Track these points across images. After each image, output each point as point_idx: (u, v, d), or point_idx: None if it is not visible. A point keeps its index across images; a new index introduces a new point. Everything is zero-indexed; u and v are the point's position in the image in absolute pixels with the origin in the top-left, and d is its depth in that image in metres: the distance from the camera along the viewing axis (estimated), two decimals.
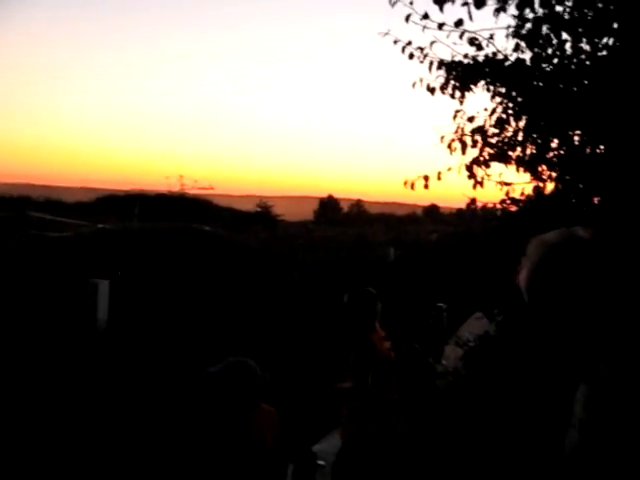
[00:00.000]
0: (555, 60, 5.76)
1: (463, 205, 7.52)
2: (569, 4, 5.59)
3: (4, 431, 9.51)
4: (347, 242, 37.27)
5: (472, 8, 5.44)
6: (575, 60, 5.72)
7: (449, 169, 6.00)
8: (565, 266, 1.93)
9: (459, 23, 5.67)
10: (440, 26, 5.74)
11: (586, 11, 5.48)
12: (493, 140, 6.07)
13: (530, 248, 2.05)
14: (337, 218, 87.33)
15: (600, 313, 1.89)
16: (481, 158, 6.06)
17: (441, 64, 6.03)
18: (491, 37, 5.85)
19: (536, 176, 6.08)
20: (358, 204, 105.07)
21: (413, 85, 6.11)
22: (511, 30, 5.73)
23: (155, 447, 9.09)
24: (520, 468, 6.16)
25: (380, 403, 6.18)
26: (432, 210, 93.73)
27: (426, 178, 5.90)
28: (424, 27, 5.76)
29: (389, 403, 6.31)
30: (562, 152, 5.95)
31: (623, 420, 1.83)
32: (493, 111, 6.10)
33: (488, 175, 6.09)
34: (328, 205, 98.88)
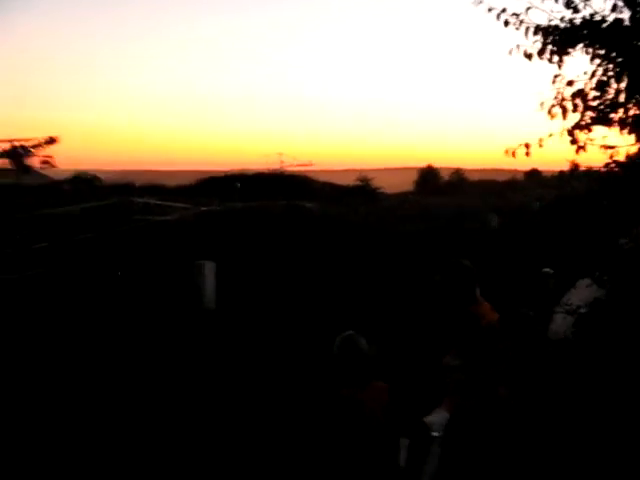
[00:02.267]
0: None
1: (565, 168, 7.41)
2: None
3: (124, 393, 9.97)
4: (448, 211, 36.95)
5: None
6: None
7: (550, 135, 5.91)
8: None
9: None
10: None
11: None
12: (594, 103, 5.95)
13: None
14: (437, 187, 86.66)
15: None
16: (583, 122, 5.95)
17: (537, 29, 5.94)
18: None
19: None
20: (458, 172, 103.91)
21: (510, 52, 6.04)
22: None
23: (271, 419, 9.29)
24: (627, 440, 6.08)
25: (487, 375, 6.15)
26: (533, 174, 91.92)
27: (527, 146, 5.84)
28: None
29: (496, 374, 6.26)
30: None
31: None
32: (593, 74, 5.98)
33: (591, 139, 5.98)
34: (428, 175, 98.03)
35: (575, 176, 6.69)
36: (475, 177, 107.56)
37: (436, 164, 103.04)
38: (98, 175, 71.87)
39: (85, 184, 59.27)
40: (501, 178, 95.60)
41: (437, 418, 5.96)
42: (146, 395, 10.27)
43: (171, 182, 71.59)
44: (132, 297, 16.40)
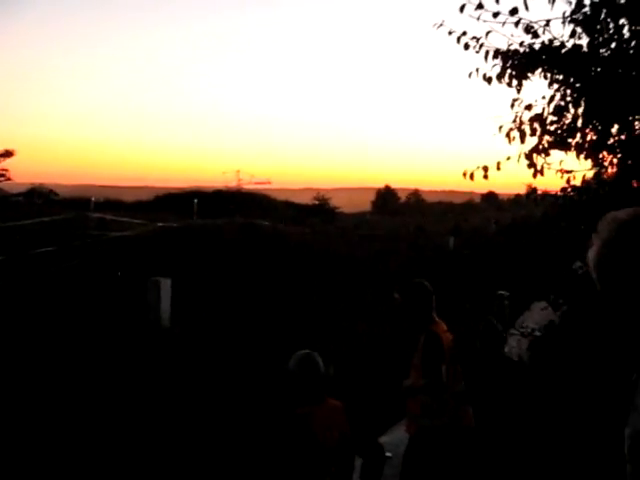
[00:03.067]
0: (613, 45, 5.69)
1: (521, 191, 7.47)
2: None
3: (65, 423, 9.74)
4: (405, 232, 37.16)
5: None
6: (633, 44, 5.64)
7: (508, 158, 5.94)
8: (635, 243, 1.90)
9: (514, 11, 5.62)
10: (495, 15, 5.69)
11: None
12: (552, 128, 6.00)
13: (601, 225, 2.02)
14: (395, 208, 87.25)
15: None
16: (540, 146, 5.99)
17: (497, 53, 5.98)
18: (547, 24, 5.79)
19: (597, 162, 6.01)
20: (415, 193, 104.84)
21: (469, 75, 6.07)
22: (567, 16, 5.67)
23: (218, 439, 9.21)
24: (585, 456, 6.11)
25: (450, 395, 6.16)
26: (490, 197, 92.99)
27: (485, 169, 5.86)
28: (479, 17, 5.74)
29: (458, 395, 6.29)
30: (623, 137, 5.87)
31: None
32: (551, 98, 6.03)
33: (548, 163, 6.03)
34: (385, 195, 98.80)
35: (532, 199, 6.73)
36: (433, 198, 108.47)
37: (394, 185, 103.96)
38: (54, 189, 71.26)
39: (41, 198, 58.73)
40: (458, 200, 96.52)
41: (392, 438, 5.95)
42: (91, 419, 10.07)
43: (128, 198, 71.30)
44: (85, 314, 16.16)
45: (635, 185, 5.96)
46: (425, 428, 6.18)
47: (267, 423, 5.22)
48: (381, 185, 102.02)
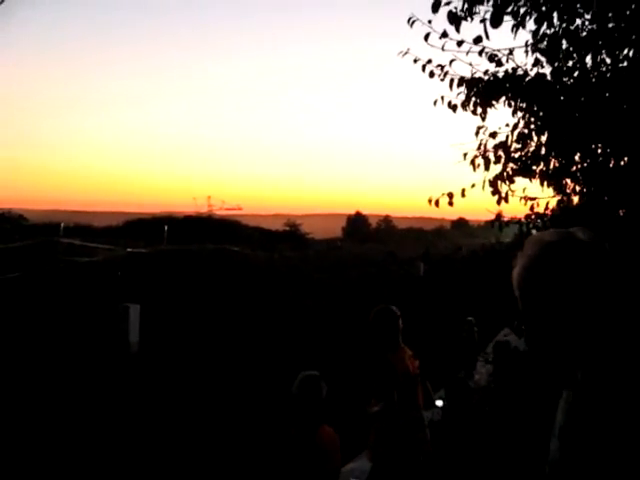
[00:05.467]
0: (575, 73, 5.74)
1: (491, 217, 7.50)
2: (587, 17, 5.58)
3: (40, 450, 9.62)
4: (376, 258, 37.21)
5: (489, 27, 5.45)
6: (596, 73, 5.70)
7: (473, 185, 5.96)
8: (558, 265, 1.90)
9: (478, 40, 5.66)
10: (459, 44, 5.73)
11: (605, 24, 5.47)
12: (516, 155, 6.03)
13: (526, 245, 2.03)
14: (366, 234, 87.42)
15: (586, 317, 1.86)
16: (505, 173, 6.02)
17: (462, 81, 6.01)
18: (510, 52, 5.83)
19: (560, 190, 6.04)
20: (386, 220, 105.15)
21: (434, 103, 6.10)
22: (530, 45, 5.73)
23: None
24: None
25: (406, 421, 6.15)
26: (460, 223, 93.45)
27: (450, 195, 5.87)
28: (443, 46, 5.78)
29: (415, 420, 6.28)
30: (586, 165, 5.92)
31: (601, 427, 1.82)
32: (515, 126, 6.06)
33: (512, 190, 6.05)
34: (356, 222, 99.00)
35: (497, 226, 6.75)
36: (403, 224, 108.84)
37: (364, 211, 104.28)
38: (24, 214, 70.88)
39: (9, 223, 58.35)
40: (428, 226, 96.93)
41: (358, 465, 5.93)
42: (57, 445, 9.96)
43: (99, 223, 71.00)
44: (52, 339, 16.02)
45: (599, 213, 6.00)
46: (382, 454, 6.18)
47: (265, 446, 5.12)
48: (352, 211, 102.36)
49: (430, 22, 5.75)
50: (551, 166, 5.97)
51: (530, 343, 2.03)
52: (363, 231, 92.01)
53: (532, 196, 6.18)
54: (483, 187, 5.98)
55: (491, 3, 5.39)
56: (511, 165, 6.03)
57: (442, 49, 5.77)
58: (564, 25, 5.55)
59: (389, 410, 6.03)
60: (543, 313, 1.96)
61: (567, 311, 1.92)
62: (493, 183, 5.98)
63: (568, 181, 6.02)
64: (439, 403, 7.42)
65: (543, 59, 5.82)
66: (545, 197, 6.18)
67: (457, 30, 5.54)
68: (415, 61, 6.07)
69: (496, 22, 5.34)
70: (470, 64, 5.91)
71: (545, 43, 5.67)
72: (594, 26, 5.55)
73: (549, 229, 5.94)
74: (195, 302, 21.28)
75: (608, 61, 5.66)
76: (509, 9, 5.52)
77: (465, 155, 6.06)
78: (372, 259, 37.56)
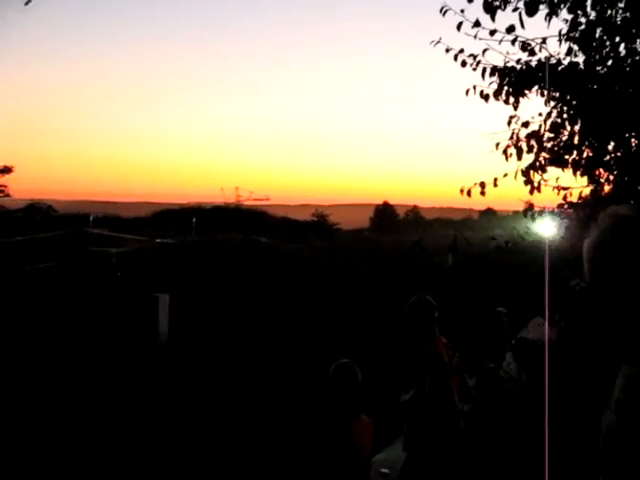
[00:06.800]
0: (609, 62, 5.72)
1: (520, 207, 7.46)
2: (621, 5, 5.56)
3: (72, 442, 9.70)
4: (404, 248, 37.12)
5: (524, 15, 5.44)
6: (629, 61, 5.67)
7: (505, 175, 5.96)
8: (632, 239, 1.89)
9: (511, 29, 5.66)
10: (492, 33, 5.73)
11: (639, 11, 5.43)
12: (549, 145, 6.01)
13: (601, 217, 2.02)
14: (393, 224, 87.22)
15: None
16: (537, 163, 6.01)
17: (494, 70, 6.01)
18: (544, 41, 5.82)
19: (593, 179, 6.02)
20: (414, 210, 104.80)
21: (467, 92, 6.10)
22: (564, 34, 5.71)
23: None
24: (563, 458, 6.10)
25: (440, 411, 6.17)
26: (488, 213, 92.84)
27: (482, 185, 5.87)
28: (476, 35, 5.77)
29: (449, 410, 6.29)
30: (619, 154, 5.89)
31: None
32: (548, 115, 6.05)
33: (545, 180, 6.03)
34: (384, 212, 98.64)
35: (529, 216, 6.72)
36: (431, 215, 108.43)
37: (392, 201, 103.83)
38: (53, 205, 71.32)
39: (39, 213, 58.80)
40: (457, 216, 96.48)
41: (389, 455, 5.95)
42: (93, 435, 10.05)
43: (126, 214, 71.33)
44: (82, 330, 16.15)
45: (632, 203, 5.97)
46: (417, 444, 6.19)
47: (301, 438, 5.12)
48: (380, 201, 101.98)
49: (462, 12, 5.76)
50: (584, 155, 5.95)
51: (597, 317, 2.03)
52: (391, 221, 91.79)
53: (565, 186, 6.17)
54: (515, 177, 5.98)
55: None
56: (544, 154, 6.02)
57: (475, 37, 5.77)
58: (598, 13, 5.53)
59: (422, 398, 6.05)
60: (613, 286, 1.96)
61: (638, 284, 1.92)
62: (526, 173, 5.97)
63: (601, 170, 6.00)
64: (472, 392, 7.43)
65: (576, 48, 5.80)
66: (578, 186, 6.16)
67: (492, 19, 5.54)
68: (447, 50, 6.07)
69: (531, 11, 5.33)
70: (503, 53, 5.91)
71: (579, 32, 5.65)
72: (628, 14, 5.52)
73: (584, 217, 5.92)
74: (224, 292, 21.35)
75: None
76: None
77: (497, 145, 6.06)
78: (400, 249, 37.41)
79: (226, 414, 10.78)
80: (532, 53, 5.87)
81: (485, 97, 6.10)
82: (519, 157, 5.99)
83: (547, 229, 7.06)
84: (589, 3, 5.51)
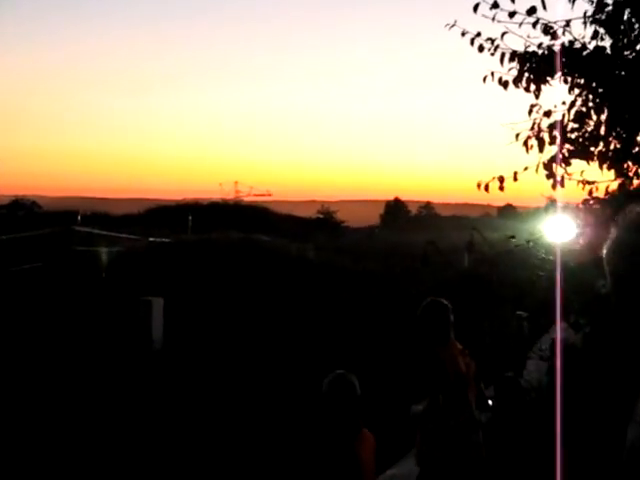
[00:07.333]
0: (638, 46, 5.71)
1: (541, 204, 7.45)
2: None
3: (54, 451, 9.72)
4: (416, 247, 37.06)
5: None
6: None
7: (526, 169, 5.95)
8: None
9: (532, 11, 5.65)
10: (511, 15, 5.72)
11: None
12: (573, 135, 6.00)
13: (622, 216, 2.00)
14: (405, 222, 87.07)
15: None
16: (560, 155, 6.00)
17: (514, 55, 6.00)
18: (567, 24, 5.81)
19: (621, 173, 6.00)
20: (427, 206, 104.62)
21: (484, 79, 6.10)
22: (589, 16, 5.69)
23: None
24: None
25: (456, 423, 6.15)
26: (507, 210, 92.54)
27: (501, 179, 5.88)
28: (494, 17, 5.76)
29: (466, 421, 6.27)
30: None
31: None
32: (572, 104, 6.04)
33: (569, 174, 6.02)
34: (395, 208, 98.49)
35: (551, 213, 6.72)
36: (446, 212, 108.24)
37: (404, 197, 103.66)
38: (38, 201, 71.41)
39: (23, 209, 58.93)
40: (473, 213, 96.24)
41: (401, 470, 5.95)
42: (75, 456, 10.02)
43: (117, 211, 71.32)
44: (69, 338, 16.10)
45: None
46: (431, 459, 6.19)
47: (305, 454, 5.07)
48: (390, 197, 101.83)
49: None
50: (611, 147, 5.93)
51: (619, 322, 2.01)
52: (402, 218, 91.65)
53: (590, 180, 6.15)
54: (537, 170, 5.97)
55: None
56: (567, 146, 6.00)
57: (493, 20, 5.77)
58: None
59: (435, 409, 6.04)
60: (635, 291, 1.93)
61: None
62: (548, 166, 5.96)
63: (630, 163, 5.98)
64: (489, 402, 7.42)
65: (603, 31, 5.79)
66: (605, 181, 6.15)
67: (512, 0, 5.53)
68: (463, 34, 6.06)
69: None
70: (524, 37, 5.90)
71: (605, 13, 5.64)
72: None
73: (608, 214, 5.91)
74: (222, 296, 21.32)
75: None
76: None
77: (517, 136, 6.04)
78: (412, 248, 37.35)
79: (223, 429, 10.77)
80: (555, 37, 5.86)
81: (504, 84, 6.09)
82: (541, 149, 5.98)
83: (569, 227, 7.05)
84: None
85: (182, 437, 10.47)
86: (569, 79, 5.97)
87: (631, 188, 6.25)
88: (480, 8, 5.76)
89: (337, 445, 4.81)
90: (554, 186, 6.00)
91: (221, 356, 14.85)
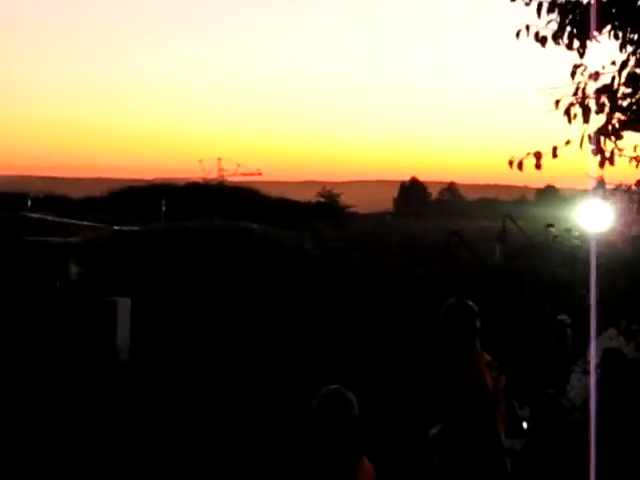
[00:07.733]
0: None
1: (588, 185, 7.43)
2: None
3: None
4: (437, 238, 37.06)
5: None
6: None
7: (567, 142, 5.92)
8: None
9: None
10: None
11: None
12: (625, 102, 5.98)
13: None
14: (423, 207, 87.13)
15: None
16: (610, 126, 5.97)
17: (553, 6, 5.97)
18: None
19: None
20: (450, 188, 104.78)
21: (517, 34, 6.06)
22: None
23: None
24: None
25: (479, 449, 6.13)
26: (548, 192, 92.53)
27: (538, 155, 5.84)
28: None
29: (491, 447, 6.24)
30: None
31: None
32: (624, 65, 6.01)
33: (620, 149, 6.00)
34: (412, 190, 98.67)
35: (600, 195, 6.71)
36: (473, 194, 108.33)
37: (422, 177, 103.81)
38: None
39: None
40: (506, 196, 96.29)
41: None
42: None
43: (76, 193, 71.37)
44: (16, 347, 16.08)
45: None
46: None
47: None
48: (406, 177, 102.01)
49: None
50: None
51: None
52: (420, 203, 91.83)
53: None
54: (581, 144, 5.92)
55: None
56: (618, 115, 5.97)
57: None
58: None
59: (453, 432, 6.02)
60: None
61: None
62: (595, 139, 5.92)
63: None
64: (524, 425, 7.42)
65: None
66: None
67: None
68: None
69: None
70: None
71: None
72: None
73: None
74: (201, 296, 21.31)
75: None
76: None
77: (557, 103, 6.01)
78: (432, 239, 37.35)
79: (201, 455, 10.81)
80: None
81: (541, 40, 6.05)
82: (586, 119, 5.95)
83: (621, 213, 7.04)
84: None
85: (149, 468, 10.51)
86: (620, 34, 5.94)
87: None
88: None
89: (329, 477, 4.77)
90: (602, 164, 5.97)
91: (198, 370, 14.83)
